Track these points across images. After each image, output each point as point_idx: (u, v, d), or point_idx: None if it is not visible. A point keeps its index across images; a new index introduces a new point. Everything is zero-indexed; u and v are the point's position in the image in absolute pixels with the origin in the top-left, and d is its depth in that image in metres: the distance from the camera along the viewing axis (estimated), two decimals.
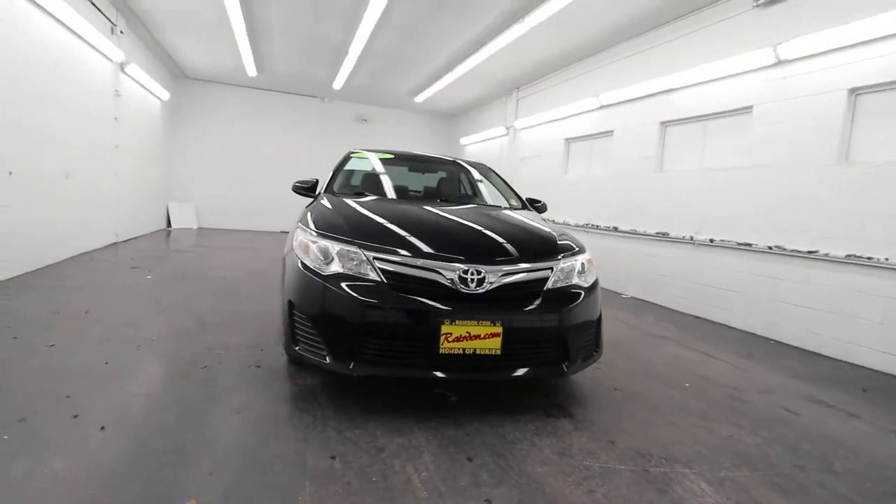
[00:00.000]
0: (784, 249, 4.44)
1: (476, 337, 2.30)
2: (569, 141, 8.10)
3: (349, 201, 3.14)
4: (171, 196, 11.06)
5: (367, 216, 2.83)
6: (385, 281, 2.31)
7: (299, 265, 2.47)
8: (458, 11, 6.20)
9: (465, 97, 10.89)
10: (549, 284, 2.51)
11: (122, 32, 7.07)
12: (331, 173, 3.77)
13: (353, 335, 2.27)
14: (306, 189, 3.65)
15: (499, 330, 2.31)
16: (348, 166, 3.94)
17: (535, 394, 2.81)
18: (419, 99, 11.02)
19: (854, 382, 3.47)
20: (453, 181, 4.22)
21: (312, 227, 2.64)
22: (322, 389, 2.63)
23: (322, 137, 12.20)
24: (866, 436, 2.60)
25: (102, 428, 2.05)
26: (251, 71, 9.56)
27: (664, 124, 6.04)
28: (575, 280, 2.63)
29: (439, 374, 2.32)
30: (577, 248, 2.79)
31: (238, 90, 11.47)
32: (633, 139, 6.50)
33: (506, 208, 3.64)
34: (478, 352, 2.30)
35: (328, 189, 3.55)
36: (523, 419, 2.46)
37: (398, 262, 2.36)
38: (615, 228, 6.67)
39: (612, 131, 6.94)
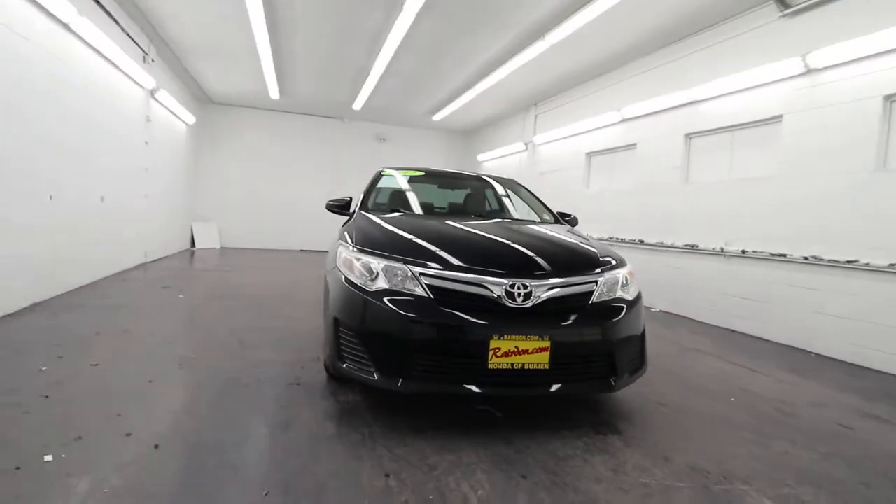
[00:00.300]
0: (822, 260, 4.35)
1: (524, 352, 2.28)
2: (590, 155, 8.10)
3: (386, 218, 3.17)
4: (195, 216, 11.30)
5: (406, 232, 2.85)
6: (431, 296, 2.31)
7: (344, 282, 2.49)
8: (481, 32, 6.31)
9: (481, 114, 11.01)
10: (594, 298, 2.49)
11: (153, 61, 7.32)
12: (364, 191, 3.81)
13: (402, 351, 2.27)
14: (340, 207, 3.71)
15: (547, 344, 2.29)
16: (380, 184, 3.99)
17: (579, 409, 2.76)
18: (437, 117, 11.17)
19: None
20: (482, 197, 4.24)
21: (354, 244, 2.67)
22: (367, 407, 2.62)
23: (342, 157, 12.41)
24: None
25: (156, 446, 2.07)
26: (274, 94, 9.80)
27: (689, 136, 6.02)
28: (619, 293, 2.60)
29: (487, 389, 2.30)
30: (618, 262, 2.77)
31: (260, 113, 11.75)
32: (657, 152, 6.48)
33: (538, 223, 3.64)
34: (526, 366, 2.28)
35: (363, 206, 3.59)
36: (571, 435, 2.42)
37: (444, 276, 2.36)
38: (641, 241, 6.61)
39: (635, 144, 6.93)
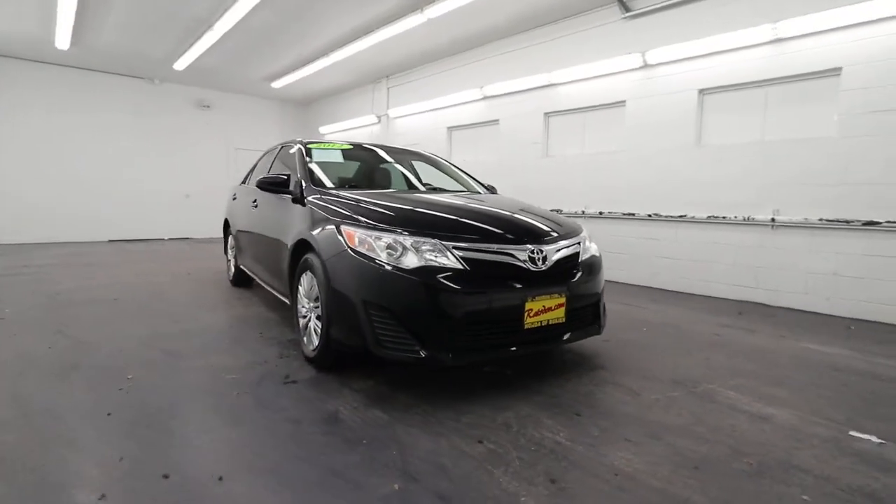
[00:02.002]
0: (660, 216, 5.64)
1: (549, 309, 2.55)
2: (451, 129, 8.56)
3: (369, 193, 3.09)
4: None
5: (409, 207, 2.80)
6: (468, 268, 2.38)
7: (369, 263, 2.35)
8: None
9: (325, 84, 10.47)
10: (583, 257, 2.88)
11: None
12: (299, 167, 3.47)
13: (448, 325, 2.30)
14: (278, 185, 3.34)
15: (563, 300, 2.60)
16: (315, 158, 3.67)
17: (566, 355, 3.18)
18: (277, 84, 10.20)
19: (729, 310, 4.69)
20: (428, 170, 4.26)
21: (366, 222, 2.51)
22: (390, 389, 2.55)
23: (153, 127, 10.42)
24: (771, 338, 3.64)
25: (221, 478, 1.72)
26: (62, 43, 7.61)
27: (548, 114, 6.92)
28: (592, 251, 3.05)
29: (523, 349, 2.51)
30: (579, 226, 3.22)
31: (38, 69, 8.98)
32: (519, 127, 7.26)
33: (488, 194, 3.91)
34: (550, 322, 2.56)
35: (316, 184, 3.29)
36: (577, 379, 2.79)
37: (476, 248, 2.44)
38: None
39: (497, 120, 7.61)
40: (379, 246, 2.39)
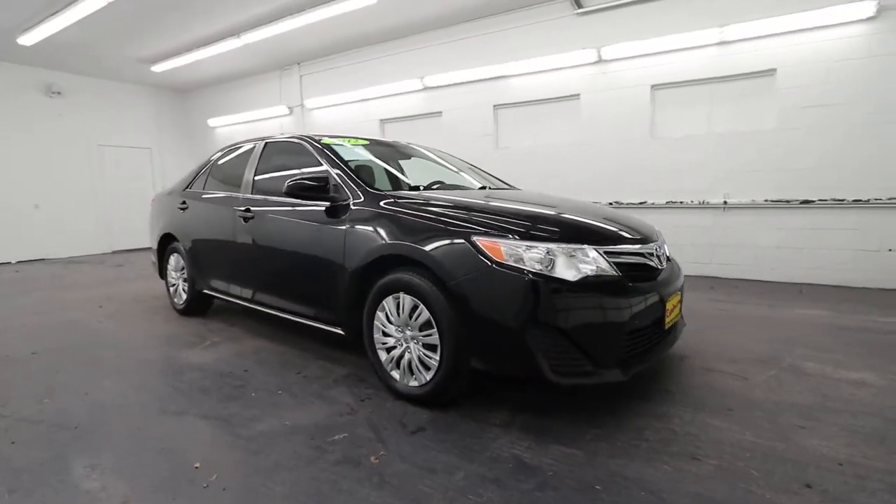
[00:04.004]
0: (622, 203, 6.01)
1: (675, 307, 2.51)
2: (384, 122, 8.07)
3: (457, 196, 2.77)
4: None
5: (527, 210, 2.53)
6: (619, 273, 2.20)
7: (530, 279, 2.03)
8: None
9: (218, 69, 9.10)
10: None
11: None
12: (342, 169, 2.91)
13: (615, 337, 2.12)
14: (314, 190, 2.76)
15: (680, 296, 2.58)
16: (350, 157, 3.11)
17: None
18: (159, 68, 8.54)
19: (699, 286, 5.19)
20: (458, 168, 3.90)
21: (507, 231, 2.16)
22: (534, 417, 2.28)
23: None
24: (763, 308, 4.10)
25: None
26: None
27: (497, 107, 6.89)
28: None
29: (663, 349, 2.43)
30: None
31: None
32: (465, 119, 7.11)
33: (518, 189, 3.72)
34: (674, 320, 2.52)
35: (371, 188, 2.77)
36: (668, 370, 2.81)
37: (620, 251, 2.28)
38: None
39: (440, 112, 7.36)
40: (532, 258, 2.08)
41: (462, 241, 2.18)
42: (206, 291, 4.01)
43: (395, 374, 2.48)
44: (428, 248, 2.25)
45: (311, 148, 3.18)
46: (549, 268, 2.07)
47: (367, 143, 3.54)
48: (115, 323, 4.16)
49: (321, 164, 3.04)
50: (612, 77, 5.94)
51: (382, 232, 2.46)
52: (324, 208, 2.82)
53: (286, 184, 2.78)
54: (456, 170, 3.81)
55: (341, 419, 2.29)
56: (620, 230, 2.45)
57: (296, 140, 3.37)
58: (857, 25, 4.62)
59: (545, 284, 2.03)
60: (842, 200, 4.86)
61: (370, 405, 2.44)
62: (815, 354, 3.01)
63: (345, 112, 8.41)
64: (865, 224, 4.80)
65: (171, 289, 4.47)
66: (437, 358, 2.27)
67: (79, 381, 2.85)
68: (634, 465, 1.86)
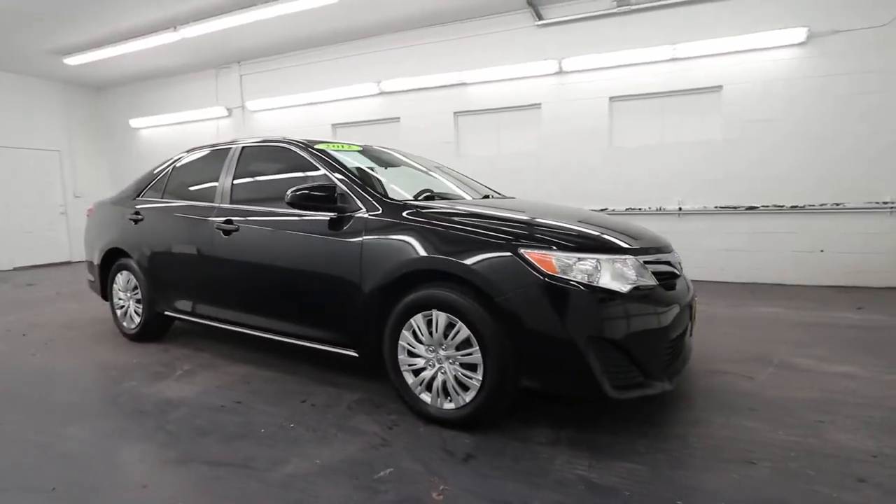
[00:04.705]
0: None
1: (695, 312, 2.58)
2: (337, 126, 7.74)
3: (477, 206, 2.62)
4: None
5: (556, 220, 2.45)
6: (657, 283, 2.22)
7: (585, 292, 1.97)
8: None
9: (145, 65, 8.27)
10: None
11: None
12: (349, 176, 2.69)
13: (664, 345, 2.14)
14: (320, 200, 2.54)
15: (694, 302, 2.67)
16: (358, 163, 2.90)
17: None
18: (74, 61, 7.56)
19: None
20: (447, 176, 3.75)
21: (545, 243, 2.09)
22: (577, 433, 2.22)
23: None
24: (730, 308, 4.39)
25: None
26: None
27: (458, 114, 6.85)
28: None
29: (689, 355, 2.48)
30: None
31: None
32: (425, 126, 7.00)
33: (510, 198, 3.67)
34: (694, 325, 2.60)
35: (385, 197, 2.59)
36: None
37: (654, 260, 2.30)
38: None
39: (398, 118, 7.19)
40: (582, 270, 2.03)
41: (508, 253, 2.07)
42: (168, 313, 3.55)
43: (426, 397, 2.32)
44: (470, 261, 2.12)
45: (304, 153, 2.92)
46: (600, 279, 2.03)
47: (360, 149, 3.33)
48: (54, 355, 3.56)
49: (317, 171, 2.80)
50: (573, 88, 6.13)
51: (413, 245, 2.29)
52: (327, 219, 2.60)
53: (289, 193, 2.52)
54: (443, 178, 3.67)
55: (377, 452, 2.09)
56: (649, 240, 2.48)
57: (282, 144, 3.09)
58: (791, 49, 5.15)
59: (601, 297, 1.99)
60: (781, 206, 5.36)
61: (401, 433, 2.26)
62: (798, 350, 3.25)
63: (292, 115, 7.96)
64: (801, 227, 5.33)
65: (119, 311, 3.91)
66: (479, 378, 2.14)
67: (33, 431, 2.37)
68: (701, 476, 1.86)
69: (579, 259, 2.05)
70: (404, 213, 2.42)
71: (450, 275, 2.20)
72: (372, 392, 2.72)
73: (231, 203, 3.15)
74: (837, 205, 5.15)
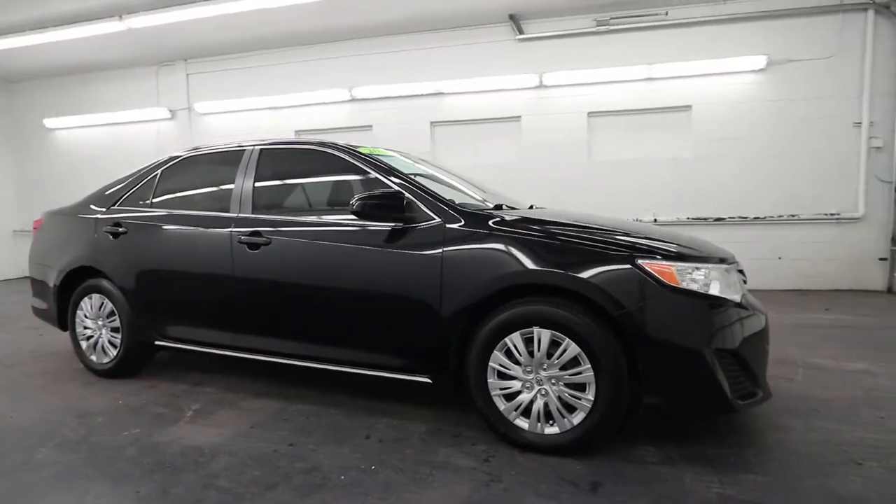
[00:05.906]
0: None
1: None
2: (301, 133, 7.25)
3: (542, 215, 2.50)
4: None
5: (637, 228, 2.40)
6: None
7: (705, 303, 1.94)
8: None
9: (67, 58, 7.27)
10: None
11: None
12: (408, 183, 2.46)
13: (764, 353, 2.15)
14: (386, 209, 2.30)
15: None
16: (408, 170, 2.65)
17: None
18: None
19: None
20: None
21: (662, 254, 2.01)
22: (657, 449, 2.15)
23: None
24: None
25: None
26: None
27: (434, 124, 6.72)
28: None
29: None
30: None
31: None
32: (399, 136, 6.75)
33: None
34: None
35: (446, 204, 2.38)
36: None
37: (734, 269, 2.31)
38: None
39: (370, 126, 6.91)
40: (698, 280, 1.98)
41: (627, 265, 1.97)
42: (159, 342, 3.02)
43: (521, 423, 2.13)
44: (586, 275, 1.99)
45: (350, 158, 2.63)
46: (716, 289, 1.99)
47: (390, 154, 3.07)
48: (5, 404, 2.87)
49: (364, 177, 2.56)
50: (553, 102, 6.26)
51: (516, 256, 2.11)
52: (388, 230, 2.35)
53: (356, 201, 2.24)
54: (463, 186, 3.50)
55: (492, 490, 1.87)
56: (721, 250, 2.50)
57: (315, 147, 2.78)
58: (753, 74, 5.65)
59: (721, 307, 1.96)
60: (745, 218, 5.83)
61: (503, 465, 2.05)
62: (810, 351, 3.48)
63: (251, 119, 7.35)
64: (762, 237, 5.82)
65: (85, 343, 3.27)
66: (590, 398, 2.01)
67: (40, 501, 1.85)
68: (830, 483, 1.86)
69: (696, 269, 2.00)
70: (490, 223, 2.24)
71: (555, 288, 2.05)
72: (437, 421, 2.47)
73: (253, 212, 2.76)
74: (793, 216, 5.69)
